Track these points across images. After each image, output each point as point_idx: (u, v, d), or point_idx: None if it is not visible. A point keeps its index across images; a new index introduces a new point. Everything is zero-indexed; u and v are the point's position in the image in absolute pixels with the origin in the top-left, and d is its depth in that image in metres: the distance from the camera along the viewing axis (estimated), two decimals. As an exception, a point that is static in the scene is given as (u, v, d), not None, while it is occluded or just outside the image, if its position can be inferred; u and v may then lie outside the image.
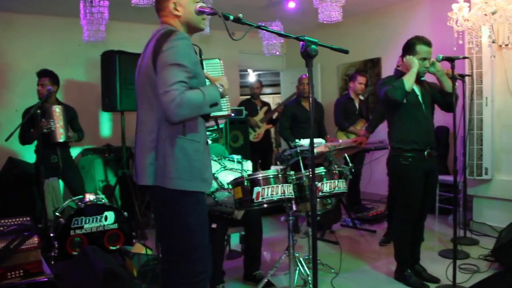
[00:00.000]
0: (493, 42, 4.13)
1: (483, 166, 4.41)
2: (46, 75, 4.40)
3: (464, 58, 3.70)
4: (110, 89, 4.92)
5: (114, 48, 4.99)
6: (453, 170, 3.16)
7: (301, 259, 3.26)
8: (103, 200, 3.96)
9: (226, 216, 3.26)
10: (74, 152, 5.24)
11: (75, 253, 3.64)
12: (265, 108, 6.40)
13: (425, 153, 3.21)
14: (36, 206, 4.80)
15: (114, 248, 3.83)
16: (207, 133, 2.29)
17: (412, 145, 3.20)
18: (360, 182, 5.77)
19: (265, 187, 2.78)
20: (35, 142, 4.36)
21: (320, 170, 3.13)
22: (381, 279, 3.49)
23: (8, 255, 2.66)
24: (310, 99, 1.86)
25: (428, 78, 3.38)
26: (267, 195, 2.78)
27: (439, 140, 5.41)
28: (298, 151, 3.30)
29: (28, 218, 2.97)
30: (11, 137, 3.92)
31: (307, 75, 1.86)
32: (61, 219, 3.74)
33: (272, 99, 10.53)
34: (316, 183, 3.01)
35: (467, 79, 4.30)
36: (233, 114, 5.74)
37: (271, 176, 2.84)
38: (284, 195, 2.83)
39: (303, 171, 3.10)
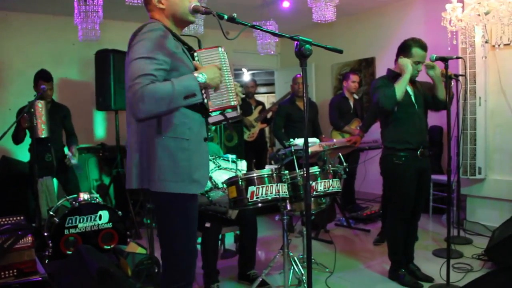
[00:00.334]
0: (486, 42, 4.16)
1: (476, 165, 4.44)
2: (51, 80, 4.39)
3: (458, 58, 3.72)
4: (104, 88, 4.91)
5: (108, 47, 4.98)
6: (447, 169, 3.18)
7: (295, 258, 3.27)
8: (97, 199, 3.95)
9: (220, 216, 3.26)
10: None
11: (69, 252, 3.63)
12: (259, 108, 6.40)
13: (418, 152, 3.23)
14: (30, 205, 4.77)
15: (108, 247, 3.82)
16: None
17: (405, 144, 3.22)
18: (355, 181, 5.78)
19: (260, 186, 2.79)
20: (29, 141, 4.33)
21: (315, 169, 3.13)
22: (375, 278, 3.50)
23: (1, 254, 2.64)
24: (305, 98, 1.84)
25: (422, 77, 3.40)
26: (262, 194, 2.78)
27: (433, 139, 5.44)
28: (292, 150, 3.31)
29: (22, 217, 2.96)
30: (4, 136, 3.89)
31: (302, 74, 1.85)
32: (55, 218, 3.72)
33: (267, 98, 10.54)
34: (311, 182, 3.02)
35: (460, 79, 4.32)
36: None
37: (266, 176, 2.84)
38: (278, 195, 2.83)
39: (297, 170, 3.11)
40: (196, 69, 1.98)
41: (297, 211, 3.34)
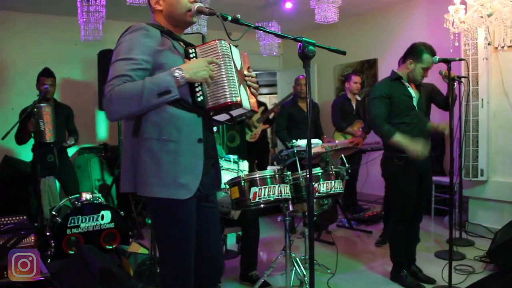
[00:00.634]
0: (489, 44, 4.16)
1: (478, 167, 4.43)
2: (52, 75, 4.40)
3: (460, 60, 3.72)
4: (107, 88, 4.90)
5: (111, 47, 4.90)
6: (449, 171, 3.17)
7: (297, 259, 3.27)
8: (99, 199, 3.95)
9: (222, 216, 3.26)
10: (71, 151, 5.23)
11: (72, 252, 3.63)
12: (261, 108, 6.41)
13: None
14: (32, 205, 4.79)
15: (111, 247, 3.83)
16: None
17: None
18: (357, 182, 5.78)
19: (262, 187, 2.79)
20: (32, 141, 4.35)
21: (317, 170, 3.14)
22: (377, 279, 3.50)
23: (4, 253, 2.65)
24: (308, 100, 1.81)
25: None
26: (264, 195, 2.78)
27: (435, 141, 5.43)
28: (295, 151, 3.31)
29: (24, 217, 2.97)
30: (7, 135, 3.91)
31: (304, 75, 1.84)
32: (57, 218, 3.73)
33: (269, 99, 10.54)
34: (313, 183, 3.02)
35: (463, 80, 4.32)
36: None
37: (268, 177, 2.84)
38: (281, 196, 2.84)
39: (299, 171, 3.11)
40: None
41: (299, 212, 3.34)
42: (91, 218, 3.79)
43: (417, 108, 3.28)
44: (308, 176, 1.86)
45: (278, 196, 2.82)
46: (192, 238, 1.95)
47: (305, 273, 3.21)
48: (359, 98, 5.76)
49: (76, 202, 3.84)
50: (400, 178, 3.26)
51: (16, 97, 5.38)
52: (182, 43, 1.99)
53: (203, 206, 2.03)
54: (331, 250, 4.16)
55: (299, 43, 1.79)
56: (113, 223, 3.87)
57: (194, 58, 1.89)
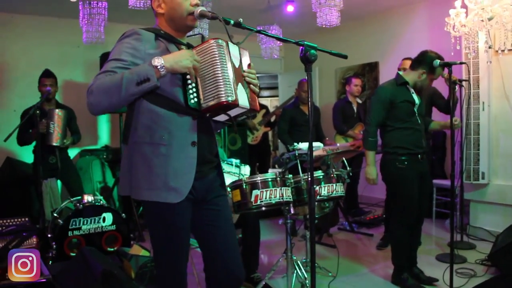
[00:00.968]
0: (490, 47, 4.16)
1: (480, 170, 4.43)
2: (52, 76, 4.43)
3: (461, 63, 3.73)
4: (109, 91, 4.92)
5: (113, 49, 5.00)
6: (450, 174, 3.18)
7: (298, 262, 3.27)
8: (101, 201, 3.96)
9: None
10: (72, 153, 5.25)
11: (73, 254, 3.64)
12: (263, 111, 6.41)
13: (419, 156, 3.28)
14: (34, 206, 4.80)
15: (112, 249, 3.83)
16: None
17: (406, 150, 3.25)
18: (358, 185, 5.78)
19: (264, 190, 2.79)
20: (34, 143, 4.36)
21: (318, 173, 3.14)
22: (378, 282, 3.50)
23: (6, 255, 2.65)
24: (309, 103, 1.81)
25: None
26: (266, 198, 2.79)
27: (437, 144, 5.44)
28: (297, 154, 3.32)
29: (26, 219, 2.98)
30: (9, 137, 3.93)
31: (307, 79, 1.84)
32: (59, 220, 3.74)
33: (270, 102, 10.55)
34: (314, 186, 3.02)
35: (464, 84, 4.33)
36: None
37: (270, 179, 2.85)
38: (282, 198, 2.84)
39: (301, 174, 3.12)
40: None
41: (300, 215, 3.35)
42: (93, 220, 3.80)
43: (417, 114, 3.31)
44: (309, 179, 1.86)
45: (279, 199, 2.83)
46: (184, 241, 1.95)
47: (306, 276, 3.21)
48: (360, 101, 5.76)
49: (78, 204, 3.85)
50: (401, 181, 3.27)
51: (18, 99, 5.40)
52: (183, 46, 1.98)
53: (205, 209, 2.02)
54: (332, 253, 4.16)
55: (301, 47, 1.79)
56: (114, 225, 3.88)
57: None
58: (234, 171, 3.28)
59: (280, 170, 3.09)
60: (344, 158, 3.72)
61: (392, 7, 6.14)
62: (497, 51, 4.32)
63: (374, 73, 6.64)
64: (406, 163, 3.24)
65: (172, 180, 1.82)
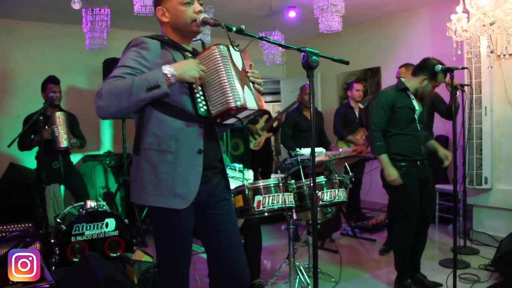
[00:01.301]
0: (492, 52, 4.16)
1: (482, 175, 4.43)
2: (58, 82, 4.45)
3: (463, 68, 3.75)
4: (112, 97, 4.95)
5: (116, 55, 5.00)
6: (453, 179, 3.18)
7: (301, 267, 3.27)
8: (104, 207, 3.97)
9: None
10: (75, 158, 5.26)
11: (76, 259, 3.64)
12: (265, 117, 6.42)
13: (418, 162, 3.27)
14: (37, 212, 4.81)
15: (115, 255, 3.83)
16: None
17: (404, 157, 3.26)
18: (360, 191, 5.78)
19: (266, 195, 2.80)
20: (36, 148, 4.37)
21: (321, 179, 3.15)
22: (381, 288, 3.49)
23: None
24: (311, 108, 1.82)
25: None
26: (268, 203, 2.80)
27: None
28: (299, 160, 3.32)
29: (30, 224, 2.99)
30: (13, 143, 3.95)
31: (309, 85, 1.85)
32: (62, 226, 3.74)
33: (272, 107, 10.57)
34: (317, 192, 3.03)
35: (466, 88, 4.33)
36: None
37: (272, 185, 2.86)
38: (284, 204, 2.85)
39: (303, 180, 3.12)
40: None
41: (303, 221, 3.36)
42: (96, 226, 3.80)
43: (417, 121, 3.31)
44: (311, 184, 1.86)
45: (282, 204, 2.84)
46: (187, 245, 2.00)
47: (309, 281, 3.21)
48: (362, 106, 5.77)
49: (81, 210, 3.86)
50: (400, 187, 3.26)
51: (22, 105, 5.42)
52: (188, 53, 2.01)
53: (208, 214, 2.04)
54: (335, 258, 4.15)
55: (303, 53, 1.80)
56: (117, 231, 3.88)
57: None
58: (237, 176, 3.29)
59: (282, 175, 3.09)
60: (346, 164, 3.72)
61: (393, 12, 6.16)
62: (499, 55, 4.31)
63: (376, 78, 6.65)
64: (404, 169, 3.24)
65: (178, 187, 1.86)
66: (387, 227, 4.60)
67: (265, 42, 5.57)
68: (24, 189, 4.89)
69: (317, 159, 3.77)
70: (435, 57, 3.32)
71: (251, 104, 1.89)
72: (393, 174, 3.22)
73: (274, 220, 4.99)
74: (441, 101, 4.50)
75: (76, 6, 4.05)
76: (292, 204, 2.92)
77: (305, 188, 3.08)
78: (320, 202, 3.08)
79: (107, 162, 5.74)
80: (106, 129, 6.44)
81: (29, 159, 4.96)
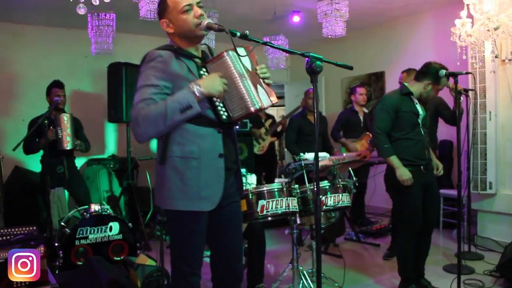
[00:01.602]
0: (496, 57, 4.16)
1: (487, 180, 4.41)
2: (63, 86, 4.48)
3: (467, 73, 3.74)
4: (116, 101, 4.99)
5: (121, 60, 5.06)
6: (457, 184, 3.17)
7: (305, 272, 3.26)
8: (108, 211, 3.98)
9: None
10: (79, 162, 5.28)
11: (80, 263, 3.66)
12: (269, 121, 6.42)
13: (422, 167, 3.26)
14: (41, 215, 4.83)
15: (118, 258, 3.85)
16: None
17: (408, 162, 3.24)
18: (364, 195, 5.76)
19: (270, 200, 2.81)
20: (41, 152, 4.40)
21: (325, 184, 3.15)
22: (384, 293, 3.48)
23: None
24: (315, 113, 1.85)
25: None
26: (272, 208, 2.80)
27: (443, 154, 5.42)
28: (303, 164, 3.32)
29: (34, 228, 3.00)
30: (18, 146, 3.97)
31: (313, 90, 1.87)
32: (66, 229, 3.76)
33: (276, 112, 10.57)
34: (321, 197, 3.03)
35: (470, 93, 4.33)
36: (237, 127, 5.75)
37: (276, 190, 2.86)
38: (288, 209, 2.85)
39: (307, 184, 3.12)
40: None
41: (306, 225, 3.35)
42: (100, 230, 3.82)
43: (421, 125, 3.30)
44: (315, 189, 1.87)
45: (285, 209, 2.84)
46: (202, 246, 2.10)
47: (312, 286, 3.20)
48: (366, 110, 5.77)
49: (85, 213, 3.87)
50: (405, 191, 3.25)
51: (27, 109, 5.45)
52: (197, 59, 2.06)
53: (221, 214, 2.12)
54: (338, 263, 4.14)
55: (307, 58, 1.81)
56: (121, 235, 3.90)
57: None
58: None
59: (286, 180, 3.09)
60: (350, 168, 3.72)
61: (397, 17, 6.16)
62: (503, 60, 4.31)
63: (380, 83, 6.65)
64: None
65: (203, 190, 1.97)
66: (391, 232, 4.58)
67: (269, 47, 5.59)
68: (29, 192, 4.91)
69: (321, 163, 3.76)
70: (439, 62, 3.32)
71: (266, 102, 2.04)
72: (405, 173, 3.18)
73: (278, 224, 4.98)
74: (445, 106, 4.50)
75: (82, 11, 4.07)
76: (296, 208, 2.93)
77: (309, 192, 3.08)
78: (324, 207, 3.08)
79: (111, 166, 5.76)
80: (111, 133, 6.47)
81: (33, 163, 4.99)
